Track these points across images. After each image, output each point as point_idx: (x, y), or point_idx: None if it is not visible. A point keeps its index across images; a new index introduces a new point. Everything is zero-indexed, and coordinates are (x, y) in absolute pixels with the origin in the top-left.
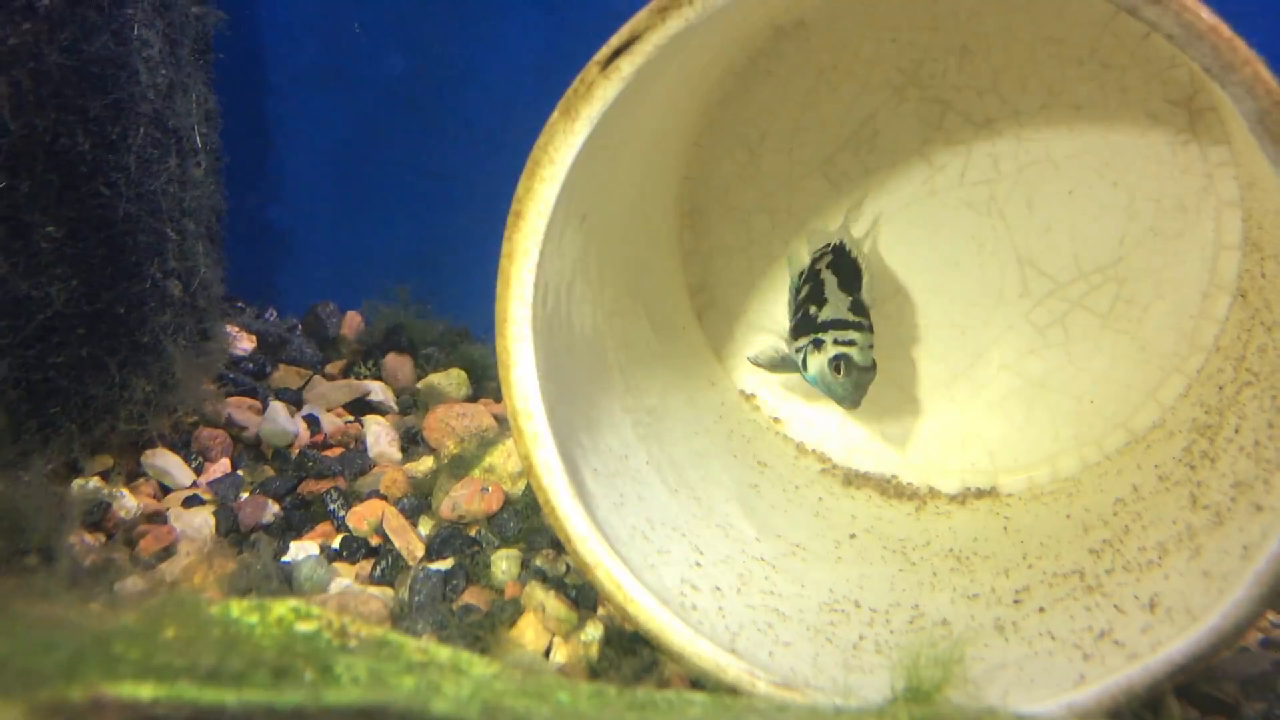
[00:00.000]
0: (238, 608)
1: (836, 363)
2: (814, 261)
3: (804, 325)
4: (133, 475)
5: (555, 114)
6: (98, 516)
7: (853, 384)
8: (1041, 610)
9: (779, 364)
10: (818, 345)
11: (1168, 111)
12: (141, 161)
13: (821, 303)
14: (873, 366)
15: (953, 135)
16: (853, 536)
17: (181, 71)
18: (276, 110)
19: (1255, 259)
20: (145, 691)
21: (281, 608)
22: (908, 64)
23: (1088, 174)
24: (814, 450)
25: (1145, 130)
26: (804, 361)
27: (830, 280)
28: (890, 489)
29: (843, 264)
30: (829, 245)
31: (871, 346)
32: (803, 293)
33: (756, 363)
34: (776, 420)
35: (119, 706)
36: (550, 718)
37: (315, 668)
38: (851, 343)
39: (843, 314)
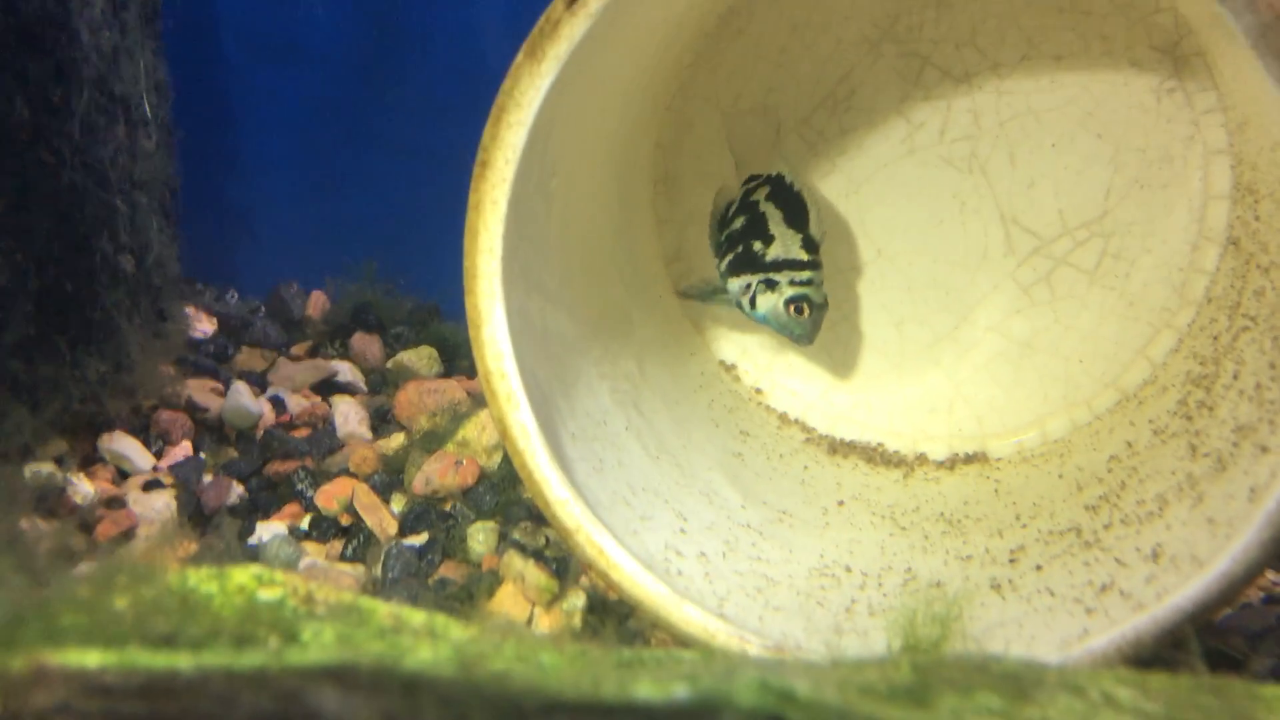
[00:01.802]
0: (195, 576)
1: (796, 304)
2: (746, 192)
3: (747, 262)
4: (88, 460)
5: (520, 56)
6: (51, 503)
7: (811, 322)
8: (1039, 568)
9: (709, 295)
10: (770, 285)
11: (1152, 59)
12: (86, 128)
13: (768, 239)
14: (826, 302)
15: (931, 91)
16: (840, 503)
17: (127, 37)
18: (232, 83)
19: (1248, 203)
20: (92, 659)
21: (242, 575)
22: (883, 18)
23: (1070, 126)
24: (797, 420)
25: (1129, 79)
26: (752, 301)
27: (774, 215)
28: (877, 457)
29: (784, 197)
30: (763, 176)
31: (823, 283)
32: (735, 224)
33: (687, 295)
34: (758, 391)
35: (64, 676)
36: (533, 675)
37: (280, 635)
38: (809, 282)
39: (795, 253)
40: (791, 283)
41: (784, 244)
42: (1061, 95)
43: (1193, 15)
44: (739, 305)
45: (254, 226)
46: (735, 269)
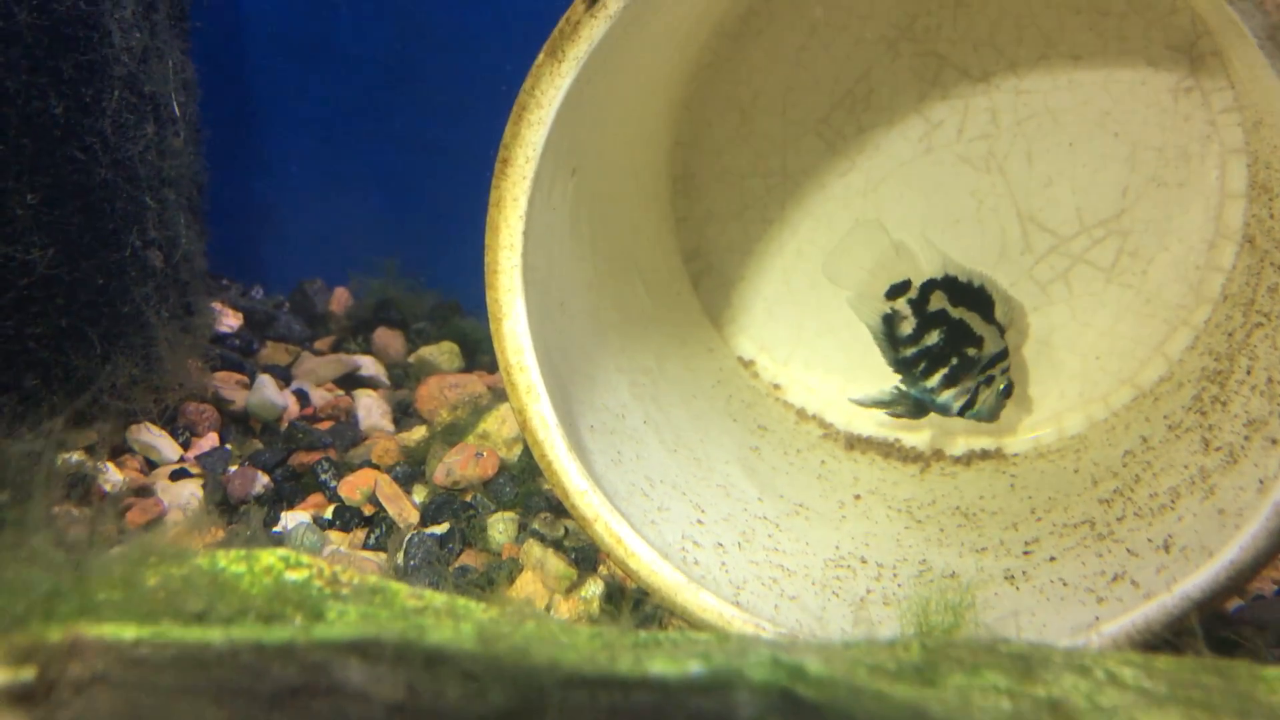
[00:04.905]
0: (224, 558)
1: (1008, 390)
2: (916, 304)
3: (965, 370)
4: (117, 451)
5: (541, 56)
6: (81, 491)
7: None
8: (1052, 559)
9: (919, 413)
10: (988, 382)
11: (1169, 58)
12: (117, 126)
13: (978, 341)
14: None
15: (949, 90)
16: (857, 497)
17: (157, 37)
18: (258, 83)
19: (1263, 201)
20: (128, 632)
21: (270, 557)
22: (902, 18)
23: (1088, 125)
24: (815, 416)
25: (1146, 78)
26: (970, 402)
27: (970, 316)
28: (893, 452)
29: (967, 296)
30: (927, 283)
31: None
32: (929, 339)
33: (897, 415)
34: (776, 387)
35: (100, 648)
36: (551, 651)
37: (306, 614)
38: (1010, 366)
39: (999, 344)
40: (1003, 372)
41: (990, 340)
42: (1079, 94)
43: (1208, 15)
44: (945, 410)
45: (279, 223)
46: (953, 379)
